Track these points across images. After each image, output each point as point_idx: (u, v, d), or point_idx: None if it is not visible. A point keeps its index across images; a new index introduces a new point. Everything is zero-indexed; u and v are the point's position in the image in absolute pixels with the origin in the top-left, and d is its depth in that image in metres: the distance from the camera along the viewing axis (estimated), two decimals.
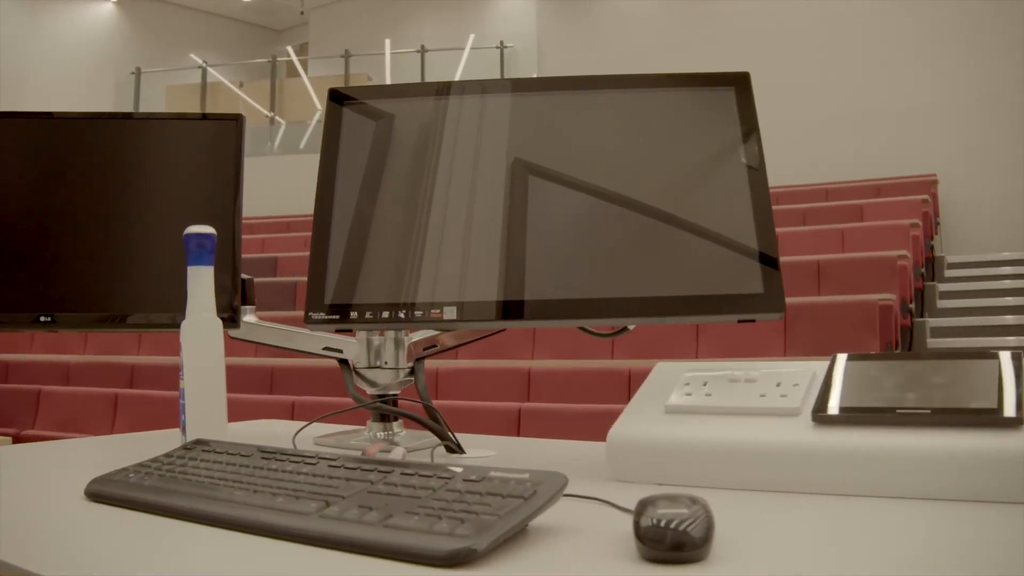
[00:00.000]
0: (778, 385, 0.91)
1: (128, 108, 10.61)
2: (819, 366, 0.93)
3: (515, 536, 0.64)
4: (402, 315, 0.93)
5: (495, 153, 0.99)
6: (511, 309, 0.94)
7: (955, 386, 0.83)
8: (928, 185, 7.54)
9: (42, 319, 1.17)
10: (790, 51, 8.29)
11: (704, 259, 0.96)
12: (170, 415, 4.01)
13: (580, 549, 0.64)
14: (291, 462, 0.79)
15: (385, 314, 0.93)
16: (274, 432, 1.35)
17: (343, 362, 1.23)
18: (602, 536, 0.67)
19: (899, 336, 4.96)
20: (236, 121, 1.22)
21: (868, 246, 5.36)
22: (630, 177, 0.98)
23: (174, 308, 1.19)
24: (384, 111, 1.04)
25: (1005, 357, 0.86)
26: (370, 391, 1.21)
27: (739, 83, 1.02)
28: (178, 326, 1.19)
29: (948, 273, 6.97)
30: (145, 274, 1.22)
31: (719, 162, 1.00)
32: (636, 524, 0.61)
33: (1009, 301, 6.31)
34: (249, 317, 1.26)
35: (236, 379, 4.38)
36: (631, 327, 1.02)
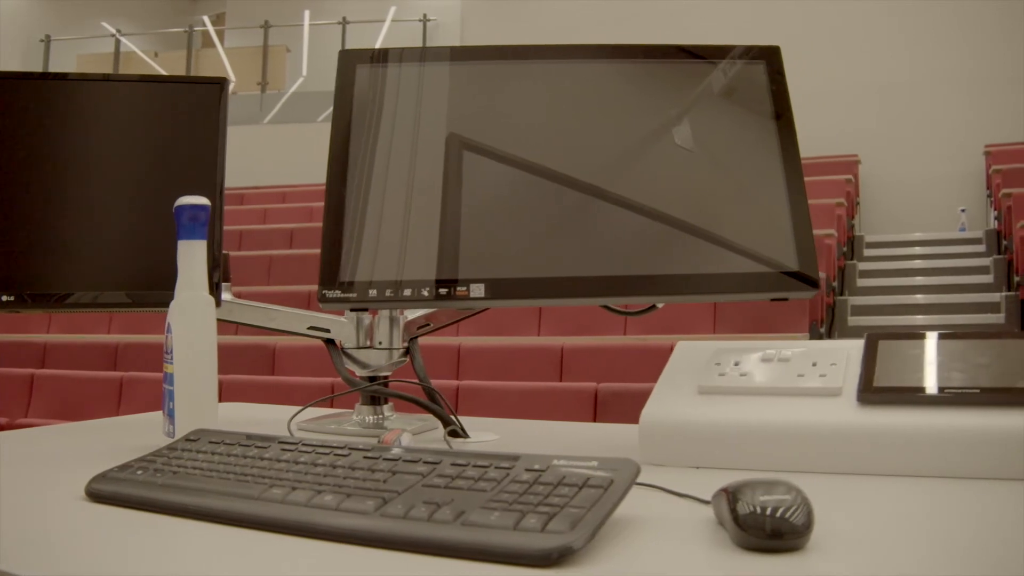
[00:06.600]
0: (814, 365, 0.88)
1: None
2: (852, 345, 0.90)
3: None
4: (425, 293, 0.87)
5: (529, 124, 0.94)
6: (542, 286, 0.88)
7: (998, 365, 0.82)
8: (850, 165, 7.74)
9: (3, 299, 1.06)
10: (717, 31, 8.36)
11: (735, 236, 0.92)
12: (90, 397, 3.84)
13: (664, 539, 0.60)
14: (319, 454, 0.72)
15: (407, 292, 0.87)
16: (253, 417, 1.27)
17: (329, 342, 1.16)
18: (677, 524, 0.63)
19: (824, 314, 5.09)
20: (220, 85, 1.12)
21: None
22: (668, 153, 0.94)
23: (131, 286, 1.11)
24: (401, 75, 0.96)
25: None
26: (360, 373, 1.15)
27: (771, 56, 0.99)
28: (151, 305, 1.11)
29: (867, 252, 7.18)
30: (109, 250, 1.12)
31: (746, 135, 0.96)
32: (733, 511, 0.57)
33: (919, 281, 6.54)
34: (226, 295, 1.18)
35: (142, 355, 4.22)
36: (660, 305, 0.98)
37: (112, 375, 3.86)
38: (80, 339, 4.68)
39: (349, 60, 0.96)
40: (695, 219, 0.92)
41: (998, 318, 5.63)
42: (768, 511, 0.56)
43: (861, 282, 6.52)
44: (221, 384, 3.61)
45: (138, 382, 3.73)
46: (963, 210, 7.57)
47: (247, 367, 4.02)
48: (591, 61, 0.98)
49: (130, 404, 3.68)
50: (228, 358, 4.02)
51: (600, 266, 0.90)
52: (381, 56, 0.97)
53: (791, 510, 0.56)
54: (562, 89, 0.97)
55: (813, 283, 0.91)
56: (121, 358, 4.37)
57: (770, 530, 0.56)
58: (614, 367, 3.53)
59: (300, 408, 1.06)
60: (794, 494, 0.58)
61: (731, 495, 0.59)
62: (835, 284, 5.71)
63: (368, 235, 0.90)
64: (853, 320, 5.90)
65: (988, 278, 6.22)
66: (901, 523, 0.64)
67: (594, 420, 2.99)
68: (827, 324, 5.39)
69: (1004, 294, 5.75)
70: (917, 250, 7.07)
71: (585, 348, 3.74)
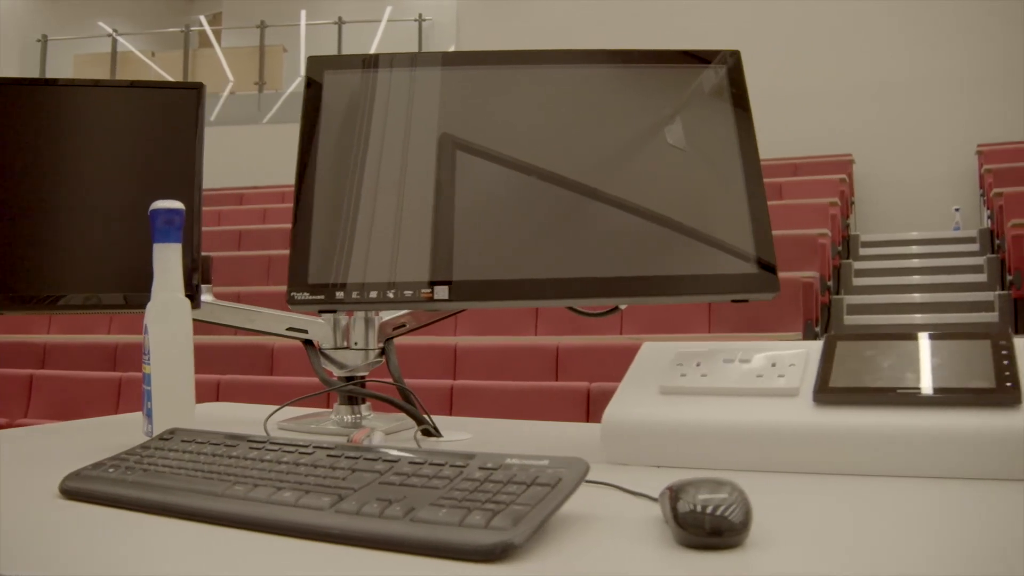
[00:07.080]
0: (774, 365, 0.90)
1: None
2: (813, 346, 0.92)
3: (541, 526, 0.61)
4: (391, 295, 0.89)
5: (493, 129, 0.96)
6: (503, 288, 0.90)
7: (951, 366, 0.84)
8: (845, 165, 7.76)
9: None
10: (712, 32, 8.37)
11: (697, 238, 0.94)
12: (89, 397, 3.86)
13: (610, 536, 0.62)
14: (285, 452, 0.74)
15: (373, 294, 0.89)
16: (235, 416, 1.29)
17: (308, 343, 1.18)
18: (626, 522, 0.65)
19: (819, 313, 5.11)
20: (197, 90, 1.15)
21: (789, 224, 5.48)
22: (627, 158, 0.96)
23: (124, 287, 1.13)
24: (368, 81, 0.98)
25: (991, 340, 0.87)
26: (337, 373, 1.17)
27: (732, 60, 1.01)
28: (143, 307, 1.13)
29: (862, 251, 7.19)
30: (98, 252, 1.15)
31: (709, 140, 0.98)
32: (674, 509, 0.59)
33: (916, 279, 6.56)
34: (207, 296, 1.20)
35: (141, 356, 4.23)
36: (622, 307, 1.00)
37: (111, 375, 3.88)
38: (80, 340, 4.70)
39: (317, 66, 0.98)
40: (658, 224, 0.95)
41: (992, 317, 5.65)
42: (707, 509, 0.58)
43: (857, 281, 6.54)
44: (219, 384, 3.60)
45: (137, 382, 3.73)
46: (957, 209, 7.58)
47: (246, 367, 4.04)
48: (557, 66, 1.00)
49: (129, 404, 3.70)
50: (227, 358, 4.06)
51: (564, 269, 0.92)
52: (347, 62, 1.00)
53: (730, 508, 0.58)
54: (525, 93, 0.99)
55: (773, 284, 0.93)
56: (120, 358, 4.40)
57: (709, 528, 0.58)
58: (609, 367, 3.55)
59: (276, 408, 1.08)
60: (735, 493, 0.59)
61: (674, 493, 0.61)
62: (830, 283, 5.72)
63: (335, 238, 0.92)
64: (849, 319, 5.92)
65: (982, 277, 6.24)
66: (844, 521, 0.66)
67: (587, 420, 3.01)
68: (823, 323, 5.40)
69: (997, 293, 5.77)
70: (913, 249, 7.09)
71: (581, 348, 3.77)
